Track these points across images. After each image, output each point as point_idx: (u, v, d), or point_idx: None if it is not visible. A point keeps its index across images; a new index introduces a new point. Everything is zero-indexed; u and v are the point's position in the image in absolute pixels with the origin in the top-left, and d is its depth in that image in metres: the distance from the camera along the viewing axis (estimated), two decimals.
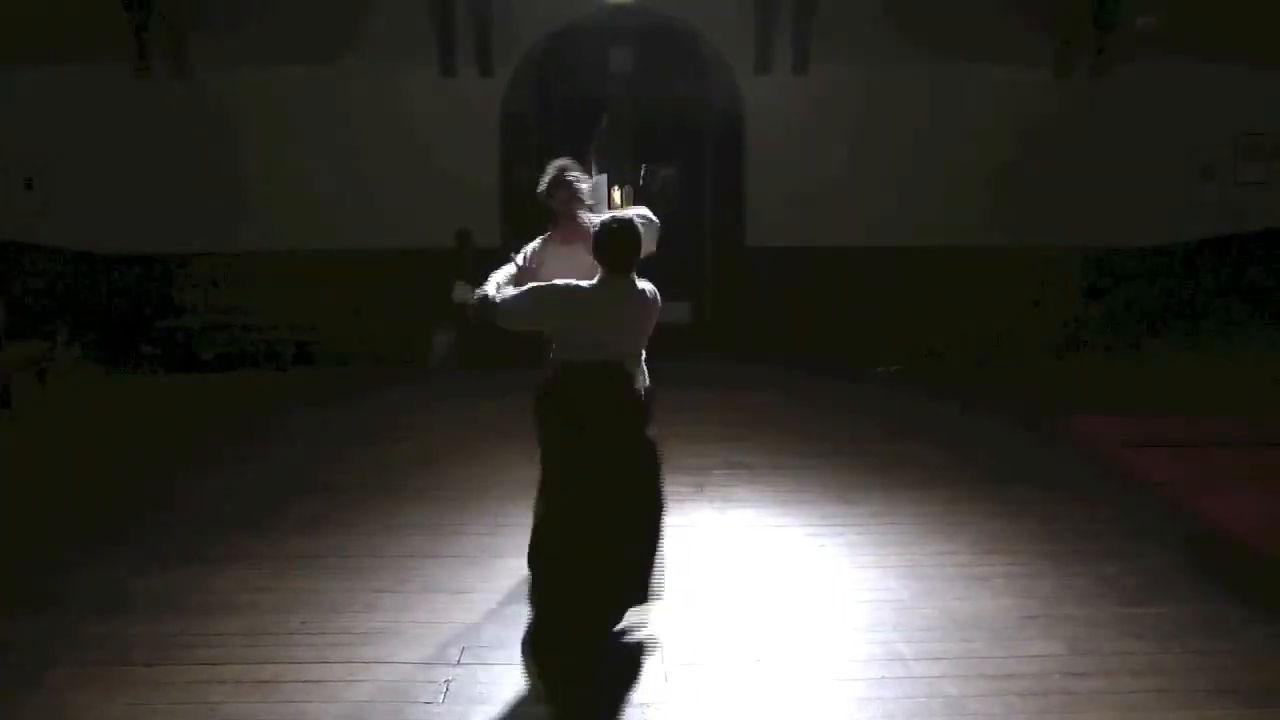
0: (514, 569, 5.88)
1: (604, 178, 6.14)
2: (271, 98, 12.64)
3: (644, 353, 5.51)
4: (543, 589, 5.22)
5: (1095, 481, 7.81)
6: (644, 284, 5.26)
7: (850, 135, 12.93)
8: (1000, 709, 4.44)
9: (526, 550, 5.40)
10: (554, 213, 5.84)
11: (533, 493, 7.21)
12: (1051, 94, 13.02)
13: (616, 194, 6.70)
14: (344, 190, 12.66)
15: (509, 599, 5.54)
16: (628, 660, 4.88)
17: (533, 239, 6.03)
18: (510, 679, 4.69)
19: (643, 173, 7.31)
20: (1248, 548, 6.43)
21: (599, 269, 5.15)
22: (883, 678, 4.72)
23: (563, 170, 5.84)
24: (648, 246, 5.36)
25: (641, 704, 4.51)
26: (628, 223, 5.19)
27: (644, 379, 5.46)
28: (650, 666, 4.82)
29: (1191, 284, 13.41)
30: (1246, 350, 12.04)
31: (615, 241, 5.13)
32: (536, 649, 4.98)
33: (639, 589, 5.16)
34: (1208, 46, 12.65)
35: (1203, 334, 12.93)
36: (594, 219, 5.48)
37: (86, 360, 11.97)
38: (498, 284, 5.45)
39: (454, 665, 4.79)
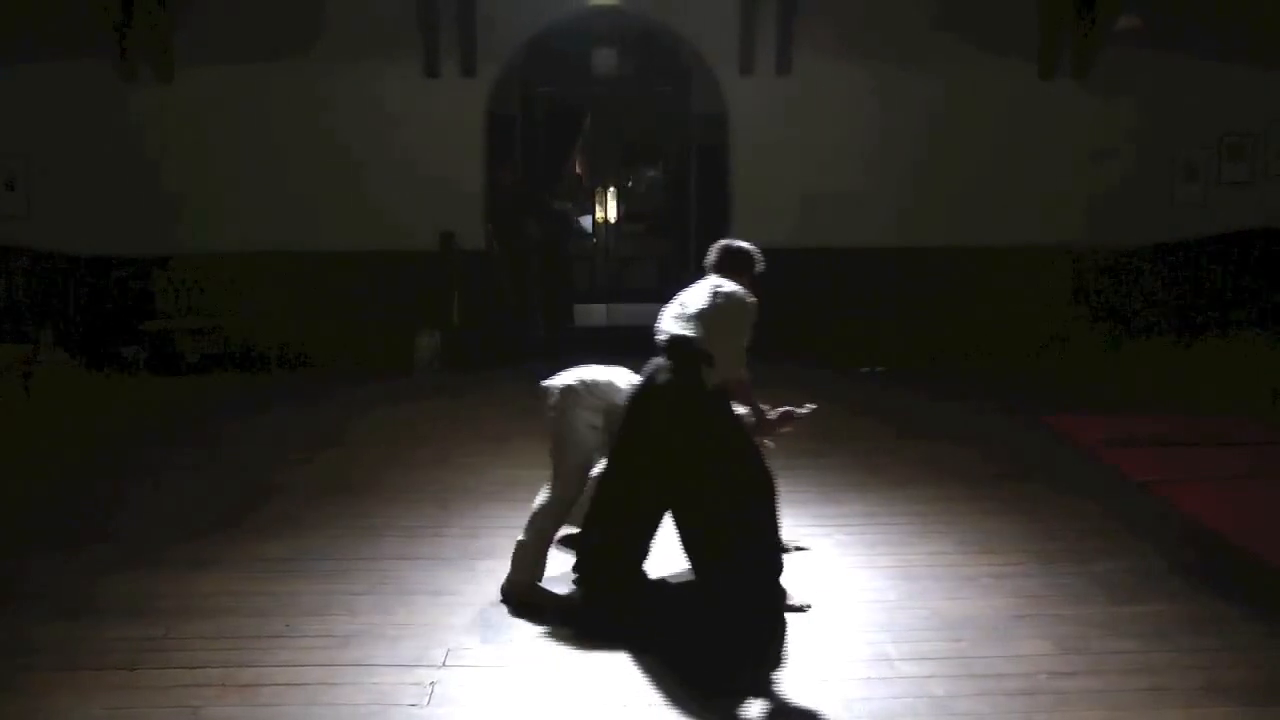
0: (494, 570, 5.83)
1: None
2: (254, 98, 12.59)
3: None
4: None
5: (1084, 480, 7.79)
6: None
7: (834, 136, 12.92)
8: (988, 709, 4.41)
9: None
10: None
11: (511, 493, 7.22)
12: (1035, 94, 13.02)
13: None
14: (327, 191, 12.61)
15: (491, 600, 5.49)
16: (617, 659, 4.85)
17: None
18: (495, 681, 4.65)
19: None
20: (1238, 546, 6.41)
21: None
22: (869, 678, 4.68)
23: None
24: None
25: (624, 703, 4.47)
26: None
27: None
28: (639, 666, 4.78)
29: (1177, 283, 13.41)
30: (1232, 349, 12.05)
31: None
32: (521, 650, 4.95)
33: None
34: (1191, 47, 12.69)
35: (1188, 333, 12.94)
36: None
37: (70, 363, 11.89)
38: None
39: (438, 667, 4.74)
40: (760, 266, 6.06)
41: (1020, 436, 9.08)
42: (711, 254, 6.03)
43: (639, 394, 5.56)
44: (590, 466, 5.76)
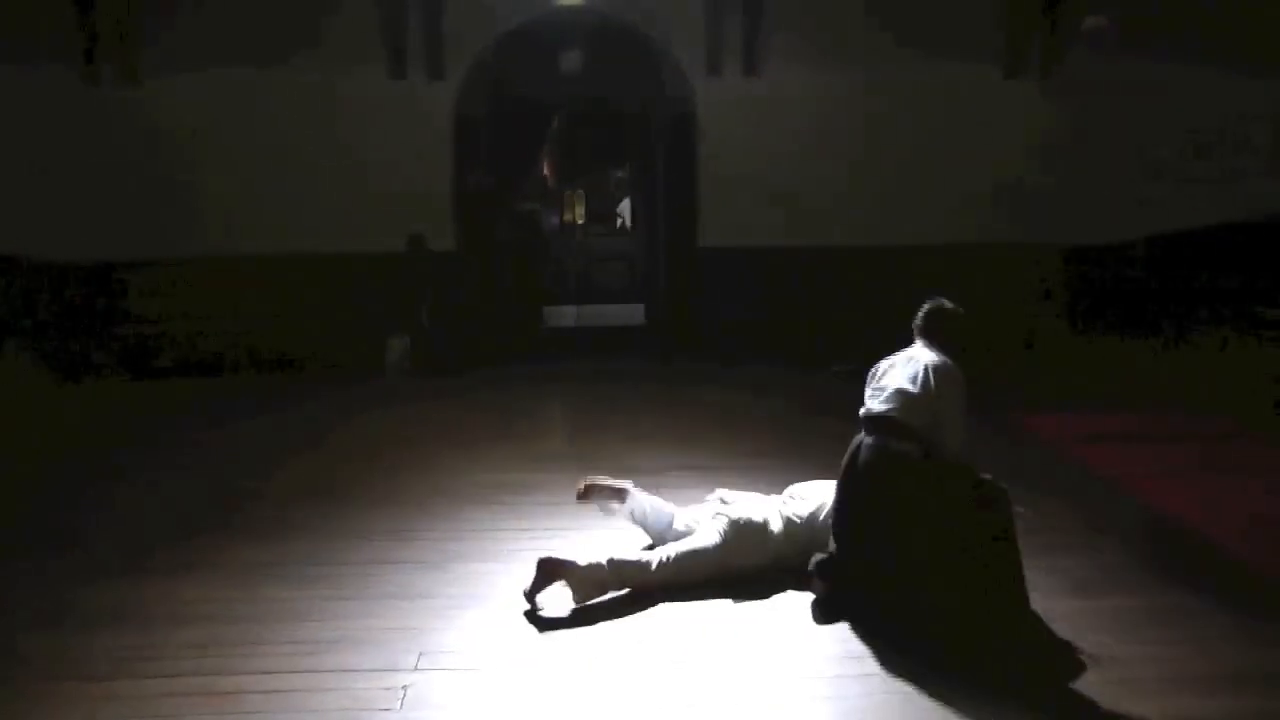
0: (472, 573, 5.90)
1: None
2: (221, 102, 12.56)
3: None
4: None
5: (1052, 476, 7.86)
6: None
7: (801, 136, 13.00)
8: (957, 703, 4.46)
9: None
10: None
11: (487, 494, 7.24)
12: (1001, 93, 13.11)
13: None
14: (295, 195, 12.61)
15: (468, 603, 5.51)
16: (589, 661, 4.88)
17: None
18: (468, 684, 4.67)
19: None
20: (1203, 540, 6.49)
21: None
22: (841, 675, 4.73)
23: None
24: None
25: (596, 705, 4.51)
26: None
27: None
28: (610, 668, 4.82)
29: (1142, 280, 13.52)
30: (1198, 345, 12.14)
31: None
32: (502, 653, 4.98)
33: None
34: (1156, 45, 12.80)
35: (1154, 329, 13.04)
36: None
37: (41, 369, 11.83)
38: None
39: (412, 671, 4.76)
40: (963, 328, 5.90)
41: (988, 434, 9.12)
42: (918, 317, 5.92)
43: (850, 471, 5.51)
44: (731, 571, 5.76)
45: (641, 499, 6.19)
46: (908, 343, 5.77)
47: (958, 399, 5.43)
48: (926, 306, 5.88)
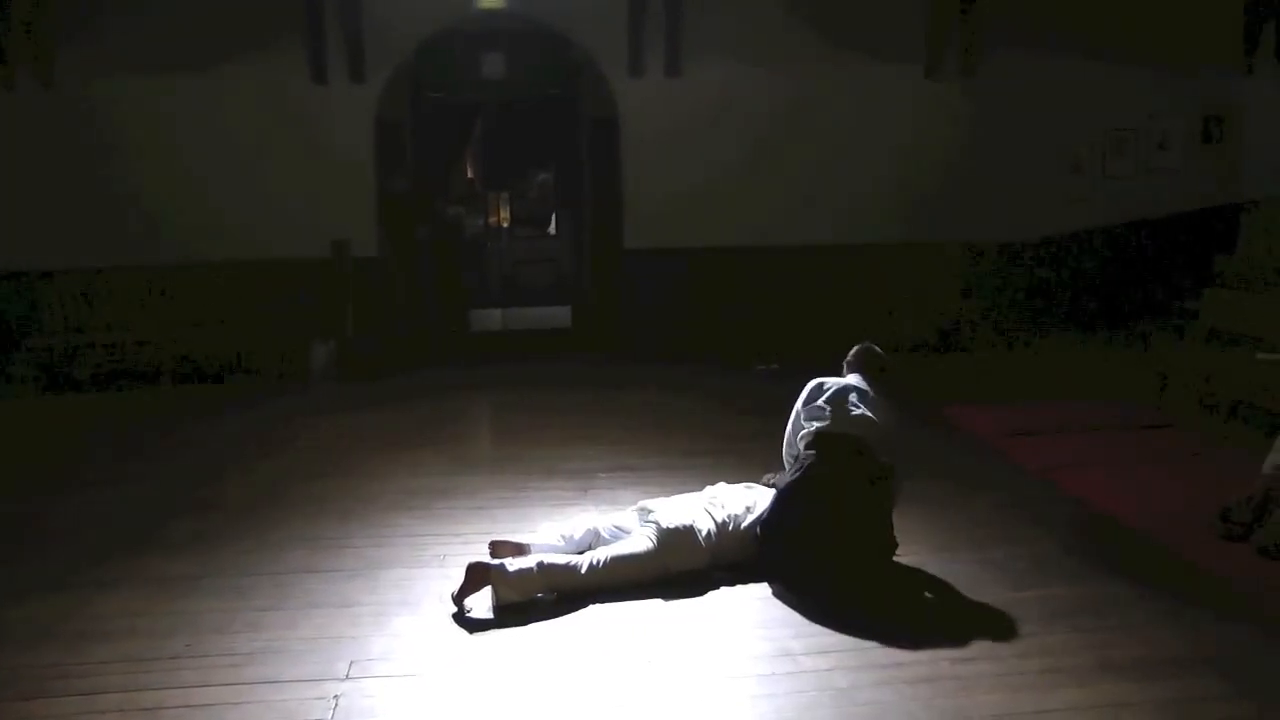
0: (401, 579, 5.84)
1: None
2: (140, 107, 12.37)
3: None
4: None
5: (978, 470, 7.95)
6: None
7: (724, 136, 13.02)
8: (891, 697, 4.47)
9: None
10: None
11: (414, 500, 7.16)
12: (922, 93, 13.22)
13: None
14: (216, 201, 12.45)
15: (398, 610, 5.46)
16: (516, 669, 4.85)
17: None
18: (401, 690, 4.62)
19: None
20: (1130, 529, 6.58)
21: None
22: (773, 674, 4.72)
23: None
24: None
25: (528, 706, 4.47)
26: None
27: None
28: (548, 671, 4.79)
29: (1064, 275, 13.70)
30: (1119, 338, 12.30)
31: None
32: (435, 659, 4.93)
33: None
34: (1075, 45, 12.97)
35: (1076, 323, 13.21)
36: None
37: None
38: None
39: (342, 680, 4.70)
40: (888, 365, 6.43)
41: (914, 430, 9.17)
42: (851, 355, 6.46)
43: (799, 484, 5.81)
44: (669, 574, 5.73)
45: (545, 542, 6.11)
46: (832, 346, 6.00)
47: (898, 426, 6.03)
48: (860, 347, 6.49)
